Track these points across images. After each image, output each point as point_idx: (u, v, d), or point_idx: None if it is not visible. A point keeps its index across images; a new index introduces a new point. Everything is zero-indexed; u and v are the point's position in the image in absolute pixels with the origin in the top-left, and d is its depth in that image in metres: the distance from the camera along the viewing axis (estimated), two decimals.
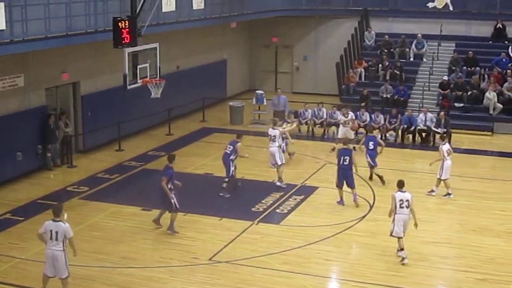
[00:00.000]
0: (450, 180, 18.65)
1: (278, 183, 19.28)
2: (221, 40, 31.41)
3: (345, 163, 17.64)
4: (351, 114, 23.54)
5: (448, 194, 18.63)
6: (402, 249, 14.40)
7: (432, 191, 18.78)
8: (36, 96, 20.25)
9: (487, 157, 23.51)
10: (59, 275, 12.34)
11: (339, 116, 23.95)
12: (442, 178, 18.59)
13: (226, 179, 18.56)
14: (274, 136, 19.45)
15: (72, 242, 12.32)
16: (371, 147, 19.55)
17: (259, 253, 14.81)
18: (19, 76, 19.34)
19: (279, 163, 19.31)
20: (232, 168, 18.47)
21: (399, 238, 14.34)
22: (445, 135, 20.51)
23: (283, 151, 20.08)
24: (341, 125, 23.47)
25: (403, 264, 14.24)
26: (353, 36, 31.48)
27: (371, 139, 19.87)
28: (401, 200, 14.27)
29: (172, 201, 15.50)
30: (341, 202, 17.85)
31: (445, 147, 18.68)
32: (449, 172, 18.58)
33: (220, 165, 18.89)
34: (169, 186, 15.44)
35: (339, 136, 23.11)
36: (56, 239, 12.13)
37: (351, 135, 23.19)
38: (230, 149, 18.45)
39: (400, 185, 14.48)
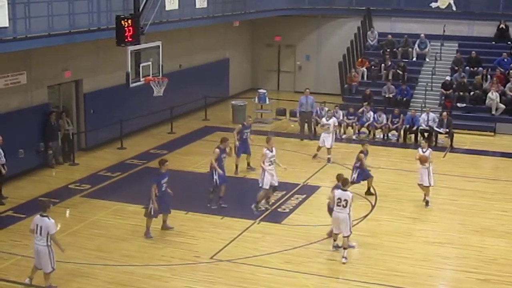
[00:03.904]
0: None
1: (252, 206, 17.33)
2: (224, 39, 31.40)
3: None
4: (332, 119, 22.12)
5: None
6: (334, 240, 14.75)
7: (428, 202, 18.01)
8: (39, 93, 20.25)
9: (489, 158, 23.47)
10: (43, 269, 12.55)
11: (323, 118, 22.45)
12: (433, 184, 17.94)
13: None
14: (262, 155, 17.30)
15: (54, 239, 12.45)
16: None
17: (260, 252, 14.80)
18: (21, 74, 19.33)
19: (259, 185, 17.19)
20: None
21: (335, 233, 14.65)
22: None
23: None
24: (323, 131, 21.94)
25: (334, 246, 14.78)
26: (355, 35, 31.44)
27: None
28: (339, 198, 14.19)
29: (149, 206, 15.24)
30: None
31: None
32: None
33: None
34: (156, 192, 15.17)
35: (320, 143, 21.78)
36: (41, 234, 12.36)
37: (329, 143, 21.62)
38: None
39: (344, 183, 14.41)
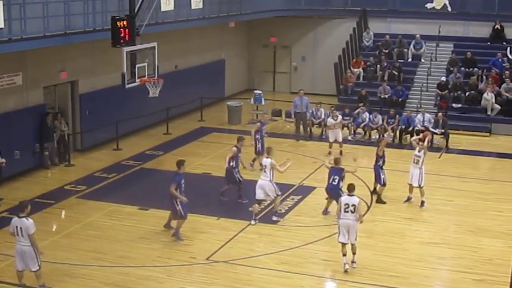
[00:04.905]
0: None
1: (274, 218, 16.83)
2: (220, 40, 31.41)
3: (333, 183, 16.31)
4: (339, 117, 23.35)
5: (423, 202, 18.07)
6: (344, 255, 13.92)
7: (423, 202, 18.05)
8: (34, 94, 20.23)
9: (485, 158, 23.49)
10: (29, 268, 12.56)
11: (329, 119, 23.47)
12: (422, 185, 17.99)
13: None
14: (265, 166, 16.70)
15: (32, 239, 12.40)
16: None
17: (256, 253, 14.81)
18: (17, 75, 19.32)
19: (274, 195, 16.71)
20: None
21: (342, 244, 13.94)
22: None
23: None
24: (330, 129, 23.21)
25: (345, 271, 13.80)
26: (351, 36, 31.48)
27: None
28: (346, 204, 13.79)
29: (177, 208, 15.15)
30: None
31: None
32: None
33: (217, 165, 18.88)
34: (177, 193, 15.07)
35: (330, 139, 22.98)
36: (23, 235, 12.40)
37: (340, 137, 22.99)
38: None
39: (350, 189, 14.05)
